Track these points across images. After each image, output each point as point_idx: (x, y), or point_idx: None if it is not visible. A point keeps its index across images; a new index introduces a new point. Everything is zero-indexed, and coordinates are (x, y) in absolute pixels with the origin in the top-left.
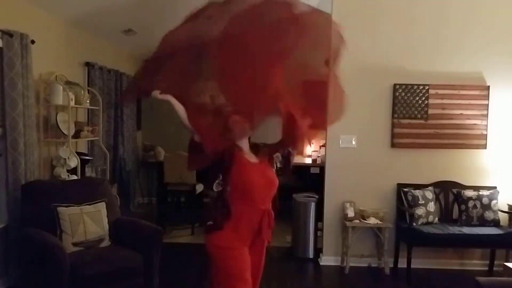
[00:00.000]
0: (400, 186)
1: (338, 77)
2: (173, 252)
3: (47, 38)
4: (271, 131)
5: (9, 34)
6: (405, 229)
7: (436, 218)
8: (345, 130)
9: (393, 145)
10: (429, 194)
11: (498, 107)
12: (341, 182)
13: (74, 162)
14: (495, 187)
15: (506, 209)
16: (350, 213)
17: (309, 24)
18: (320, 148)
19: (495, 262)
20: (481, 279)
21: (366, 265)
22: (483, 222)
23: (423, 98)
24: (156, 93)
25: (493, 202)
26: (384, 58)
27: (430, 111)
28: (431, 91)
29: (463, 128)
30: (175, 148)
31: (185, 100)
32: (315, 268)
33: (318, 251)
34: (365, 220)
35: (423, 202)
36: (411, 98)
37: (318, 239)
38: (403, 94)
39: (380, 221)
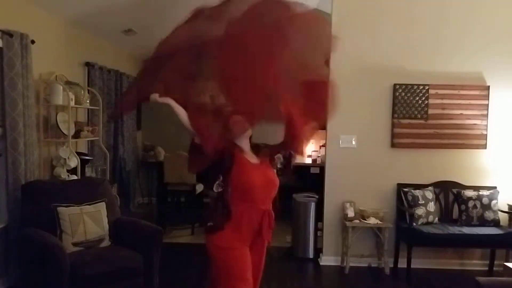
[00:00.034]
0: (400, 186)
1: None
2: (173, 252)
3: (47, 38)
4: (272, 132)
5: (9, 34)
6: (405, 229)
7: (436, 218)
8: (345, 130)
9: (393, 145)
10: (429, 194)
11: (498, 107)
12: (341, 182)
13: (74, 162)
14: (495, 187)
15: (506, 209)
16: (350, 213)
17: (306, 24)
18: (320, 148)
19: (495, 262)
20: (481, 279)
21: (366, 265)
22: (483, 222)
23: (423, 98)
24: (155, 97)
25: (493, 202)
26: (384, 58)
27: (430, 111)
28: (431, 91)
29: (463, 128)
30: (175, 148)
31: (185, 101)
32: (315, 268)
33: (318, 251)
34: (365, 220)
35: (423, 202)
36: (411, 98)
37: (318, 239)
38: (403, 94)
39: (380, 221)
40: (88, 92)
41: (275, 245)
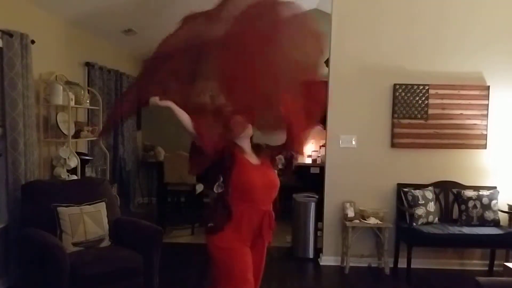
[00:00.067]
0: (400, 186)
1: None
2: (173, 252)
3: (47, 38)
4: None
5: (9, 34)
6: (405, 229)
7: (436, 218)
8: (345, 130)
9: (393, 145)
10: (429, 194)
11: (498, 107)
12: (341, 182)
13: (74, 162)
14: (495, 187)
15: (506, 209)
16: (350, 213)
17: (296, 26)
18: (320, 148)
19: (495, 262)
20: (481, 279)
21: (366, 265)
22: (483, 222)
23: (423, 98)
24: (155, 100)
25: (493, 202)
26: (384, 58)
27: (430, 111)
28: (431, 91)
29: (463, 128)
30: (175, 148)
31: (185, 102)
32: (315, 268)
33: (318, 251)
34: (365, 220)
35: (423, 202)
36: (411, 98)
37: (318, 239)
38: (403, 94)
39: (380, 221)
40: (88, 92)
41: (275, 245)
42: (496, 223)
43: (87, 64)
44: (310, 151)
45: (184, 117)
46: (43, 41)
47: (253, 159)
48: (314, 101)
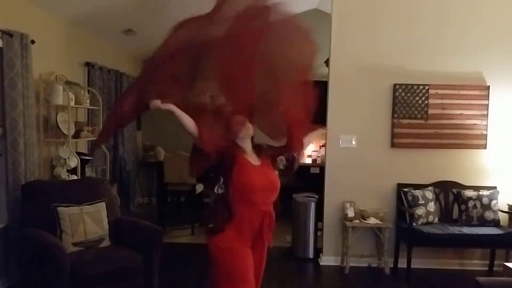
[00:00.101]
0: (400, 186)
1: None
2: (173, 252)
3: (47, 38)
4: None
5: (9, 34)
6: (405, 229)
7: (436, 218)
8: (345, 130)
9: (393, 145)
10: (429, 194)
11: (498, 107)
12: (341, 182)
13: (74, 162)
14: (495, 187)
15: (506, 209)
16: (350, 213)
17: (289, 28)
18: (320, 148)
19: (495, 262)
20: (481, 279)
21: (366, 265)
22: (483, 222)
23: (423, 98)
24: (157, 103)
25: (493, 202)
26: (384, 58)
27: (430, 111)
28: (431, 91)
29: (463, 128)
30: (175, 148)
31: (185, 102)
32: (315, 268)
33: (318, 251)
34: (365, 220)
35: (423, 202)
36: (411, 98)
37: (318, 239)
38: (403, 94)
39: (380, 221)
40: (88, 92)
41: (275, 245)
42: (496, 223)
43: (87, 64)
44: (310, 151)
45: (187, 120)
46: (43, 41)
47: (253, 159)
48: (305, 102)
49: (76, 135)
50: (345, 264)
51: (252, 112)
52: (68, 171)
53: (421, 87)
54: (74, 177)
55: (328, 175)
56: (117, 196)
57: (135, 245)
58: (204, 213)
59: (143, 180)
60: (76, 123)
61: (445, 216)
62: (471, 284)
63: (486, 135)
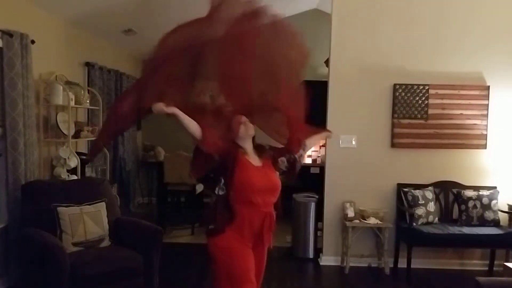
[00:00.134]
0: (400, 186)
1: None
2: (173, 252)
3: (47, 38)
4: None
5: (9, 34)
6: (405, 229)
7: (436, 218)
8: (345, 130)
9: (393, 145)
10: (429, 194)
11: (498, 107)
12: (341, 182)
13: (74, 162)
14: (495, 187)
15: (506, 209)
16: (350, 213)
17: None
18: (320, 148)
19: (495, 262)
20: (481, 279)
21: (366, 265)
22: (483, 222)
23: (423, 98)
24: (160, 106)
25: (493, 202)
26: (384, 58)
27: (430, 111)
28: (431, 91)
29: (463, 128)
30: (175, 148)
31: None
32: (315, 268)
33: (318, 251)
34: (365, 220)
35: (423, 202)
36: (411, 98)
37: (318, 239)
38: (403, 94)
39: (380, 221)
40: (88, 92)
41: (275, 245)
42: (496, 223)
43: (87, 64)
44: (310, 151)
45: (190, 123)
46: (43, 41)
47: (254, 160)
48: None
49: (76, 135)
50: (345, 264)
51: (252, 112)
52: (68, 171)
53: (421, 87)
54: (74, 177)
55: (328, 175)
56: (117, 196)
57: (135, 245)
58: (204, 213)
59: (143, 180)
60: (76, 123)
61: (445, 216)
62: (471, 284)
63: (486, 135)
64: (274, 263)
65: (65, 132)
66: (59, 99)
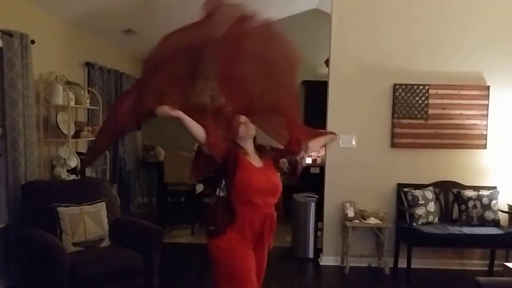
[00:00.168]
0: (400, 186)
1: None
2: (173, 252)
3: (47, 38)
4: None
5: (9, 34)
6: (405, 229)
7: (436, 218)
8: (345, 130)
9: (393, 145)
10: (429, 194)
11: (498, 107)
12: (341, 182)
13: (74, 162)
14: (495, 187)
15: (506, 209)
16: (350, 213)
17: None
18: (320, 148)
19: (495, 262)
20: (481, 279)
21: (366, 265)
22: (483, 222)
23: (423, 98)
24: (165, 110)
25: (493, 202)
26: (384, 58)
27: (430, 111)
28: (431, 91)
29: (463, 128)
30: (175, 148)
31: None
32: (315, 268)
33: (318, 251)
34: (365, 220)
35: (423, 202)
36: (411, 98)
37: (318, 239)
38: (403, 94)
39: (380, 221)
40: (88, 92)
41: (275, 245)
42: (496, 223)
43: (87, 64)
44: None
45: (194, 126)
46: (43, 41)
47: (255, 161)
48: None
49: (76, 135)
50: (345, 264)
51: (252, 112)
52: (68, 171)
53: (421, 87)
54: (74, 177)
55: (328, 175)
56: (117, 196)
57: (135, 245)
58: (204, 213)
59: (143, 180)
60: (76, 123)
61: (445, 216)
62: (471, 284)
63: (486, 135)
64: (274, 263)
65: (65, 132)
66: (59, 99)
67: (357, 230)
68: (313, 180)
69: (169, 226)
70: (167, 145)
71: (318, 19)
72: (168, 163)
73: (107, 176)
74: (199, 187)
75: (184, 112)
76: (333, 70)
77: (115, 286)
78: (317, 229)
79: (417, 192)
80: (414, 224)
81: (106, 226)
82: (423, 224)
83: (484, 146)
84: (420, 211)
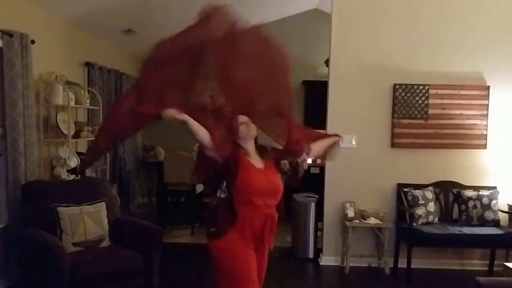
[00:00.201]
0: (400, 186)
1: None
2: (173, 252)
3: (47, 38)
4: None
5: (9, 34)
6: (405, 229)
7: (436, 218)
8: (345, 130)
9: (393, 145)
10: (429, 194)
11: (498, 107)
12: (341, 182)
13: (74, 162)
14: (495, 187)
15: (506, 209)
16: (350, 213)
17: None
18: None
19: (495, 262)
20: (481, 279)
21: (366, 265)
22: (483, 222)
23: (423, 98)
24: (171, 113)
25: (493, 202)
26: (384, 58)
27: (430, 111)
28: (431, 91)
29: (463, 128)
30: (175, 148)
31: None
32: (315, 268)
33: (318, 251)
34: (365, 220)
35: (423, 202)
36: (411, 98)
37: (318, 239)
38: (403, 94)
39: (380, 221)
40: (88, 92)
41: (275, 245)
42: (496, 223)
43: (87, 64)
44: None
45: (200, 130)
46: (43, 41)
47: (257, 162)
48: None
49: (76, 135)
50: (345, 264)
51: (253, 113)
52: (68, 171)
53: (421, 87)
54: (74, 177)
55: (328, 175)
56: (117, 196)
57: (135, 245)
58: (204, 214)
59: (143, 180)
60: (76, 123)
61: (445, 216)
62: (471, 284)
63: (486, 135)
64: (274, 263)
65: (65, 132)
66: (59, 99)
67: (357, 230)
68: (313, 180)
69: (169, 226)
70: (167, 145)
71: (318, 19)
72: (168, 163)
73: (107, 176)
74: (199, 187)
75: (184, 112)
76: (333, 70)
77: (115, 286)
78: (317, 229)
79: (417, 192)
80: (414, 224)
81: (106, 226)
82: (423, 224)
83: (484, 146)
84: (420, 211)
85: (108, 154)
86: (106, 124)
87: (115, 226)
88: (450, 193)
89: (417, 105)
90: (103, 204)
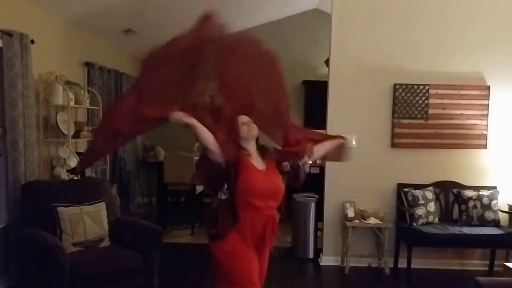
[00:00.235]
0: (400, 186)
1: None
2: (173, 252)
3: (47, 38)
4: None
5: (9, 34)
6: (405, 229)
7: (436, 218)
8: (345, 130)
9: (393, 145)
10: (429, 194)
11: (498, 107)
12: (341, 182)
13: (74, 162)
14: (495, 187)
15: (506, 209)
16: (350, 213)
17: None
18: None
19: (495, 262)
20: (481, 279)
21: (366, 265)
22: (483, 222)
23: (423, 98)
24: (179, 116)
25: (493, 202)
26: (384, 58)
27: (430, 111)
28: (431, 91)
29: (463, 128)
30: (175, 148)
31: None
32: (315, 268)
33: (318, 251)
34: (365, 220)
35: (423, 202)
36: (411, 98)
37: (318, 239)
38: (403, 94)
39: (380, 221)
40: (88, 92)
41: (275, 245)
42: (496, 223)
43: (87, 64)
44: None
45: (206, 135)
46: (43, 41)
47: (258, 163)
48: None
49: (76, 135)
50: (345, 264)
51: (253, 113)
52: (68, 171)
53: (421, 87)
54: (74, 177)
55: (328, 175)
56: (117, 196)
57: (135, 245)
58: (204, 214)
59: (143, 180)
60: (76, 123)
61: (445, 216)
62: (471, 284)
63: (486, 135)
64: (274, 263)
65: (65, 132)
66: (59, 99)
67: (357, 230)
68: (313, 180)
69: (169, 226)
70: (167, 145)
71: (318, 19)
72: (168, 163)
73: (107, 176)
74: (199, 187)
75: (184, 112)
76: (333, 70)
77: (115, 286)
78: (317, 229)
79: (417, 192)
80: (414, 224)
81: (106, 226)
82: (423, 224)
83: (484, 146)
84: (420, 211)
85: (108, 155)
86: (105, 123)
87: (115, 226)
88: (450, 193)
89: (417, 105)
90: (103, 204)
